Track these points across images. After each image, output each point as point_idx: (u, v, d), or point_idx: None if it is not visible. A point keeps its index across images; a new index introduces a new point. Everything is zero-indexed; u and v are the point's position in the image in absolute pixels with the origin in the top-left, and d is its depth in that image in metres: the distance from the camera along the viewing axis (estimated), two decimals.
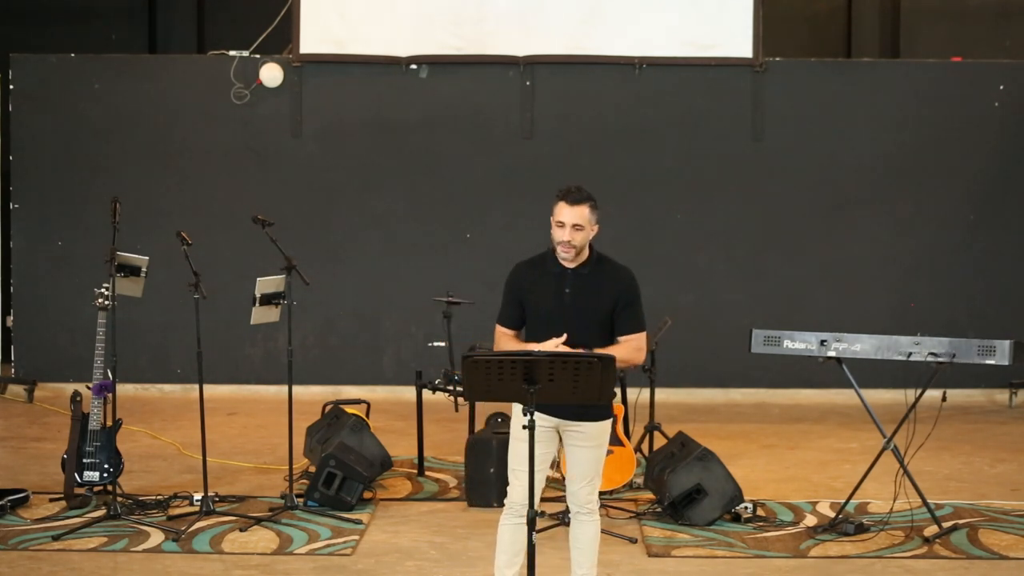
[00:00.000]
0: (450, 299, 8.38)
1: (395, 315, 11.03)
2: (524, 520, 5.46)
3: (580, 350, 5.20)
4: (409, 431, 8.68)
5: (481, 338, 7.72)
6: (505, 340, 5.52)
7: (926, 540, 6.83)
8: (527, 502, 5.43)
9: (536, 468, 5.43)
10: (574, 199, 5.43)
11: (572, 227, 5.40)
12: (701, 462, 7.18)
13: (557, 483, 7.83)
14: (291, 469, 7.49)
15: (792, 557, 6.64)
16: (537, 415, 5.37)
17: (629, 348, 5.42)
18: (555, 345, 5.24)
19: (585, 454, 5.40)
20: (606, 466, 7.46)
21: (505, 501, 5.54)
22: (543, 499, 7.46)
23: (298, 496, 7.42)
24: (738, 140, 10.96)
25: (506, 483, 5.58)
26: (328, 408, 8.46)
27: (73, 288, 10.67)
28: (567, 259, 5.44)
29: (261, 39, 10.94)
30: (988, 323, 10.44)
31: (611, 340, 5.44)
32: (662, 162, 10.99)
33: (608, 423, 5.50)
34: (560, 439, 5.52)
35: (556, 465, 8.00)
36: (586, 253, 5.49)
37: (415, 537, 6.97)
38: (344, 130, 11.02)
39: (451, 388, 8.10)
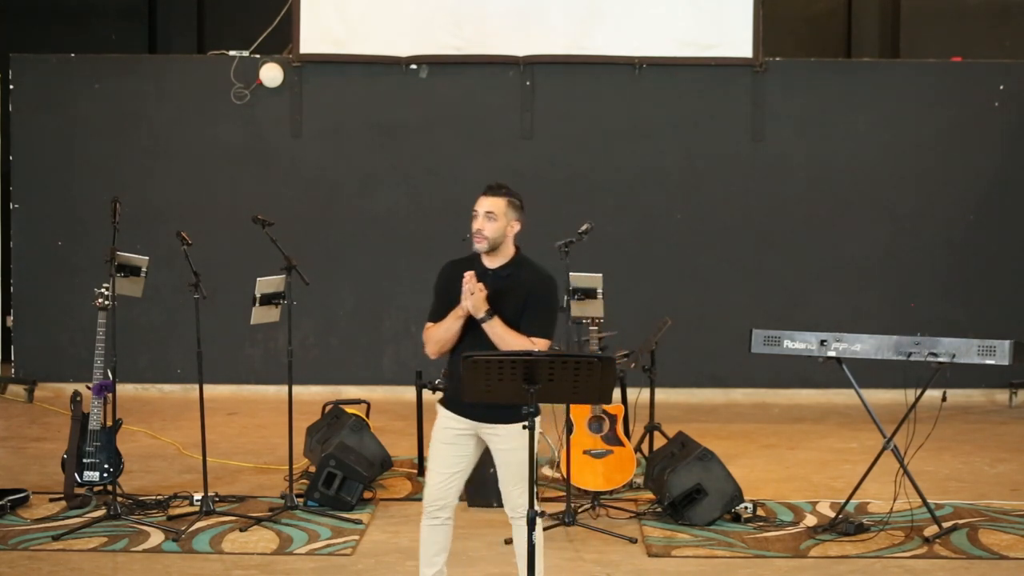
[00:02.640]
0: None
1: (395, 315, 11.02)
2: (439, 521, 5.45)
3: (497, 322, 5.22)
4: (409, 431, 8.68)
5: None
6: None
7: (926, 540, 6.83)
8: (439, 503, 5.41)
9: (453, 470, 5.40)
10: (492, 191, 5.46)
11: (484, 215, 5.38)
12: (701, 462, 7.18)
13: (557, 483, 7.84)
14: (291, 469, 7.49)
15: (792, 557, 6.64)
16: (453, 417, 5.39)
17: (524, 342, 5.25)
18: (479, 289, 5.23)
19: (505, 457, 5.34)
20: (606, 466, 7.54)
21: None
22: (543, 499, 7.48)
23: (298, 496, 7.42)
24: (738, 140, 10.95)
25: None
26: (328, 408, 8.45)
27: (73, 288, 10.66)
28: (481, 250, 5.38)
29: (261, 39, 10.93)
30: (988, 323, 10.42)
31: None
32: (662, 162, 10.98)
33: (518, 426, 5.24)
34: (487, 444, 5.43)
35: (556, 465, 8.02)
36: (510, 252, 5.43)
37: (415, 537, 6.91)
38: (344, 130, 11.01)
39: None
